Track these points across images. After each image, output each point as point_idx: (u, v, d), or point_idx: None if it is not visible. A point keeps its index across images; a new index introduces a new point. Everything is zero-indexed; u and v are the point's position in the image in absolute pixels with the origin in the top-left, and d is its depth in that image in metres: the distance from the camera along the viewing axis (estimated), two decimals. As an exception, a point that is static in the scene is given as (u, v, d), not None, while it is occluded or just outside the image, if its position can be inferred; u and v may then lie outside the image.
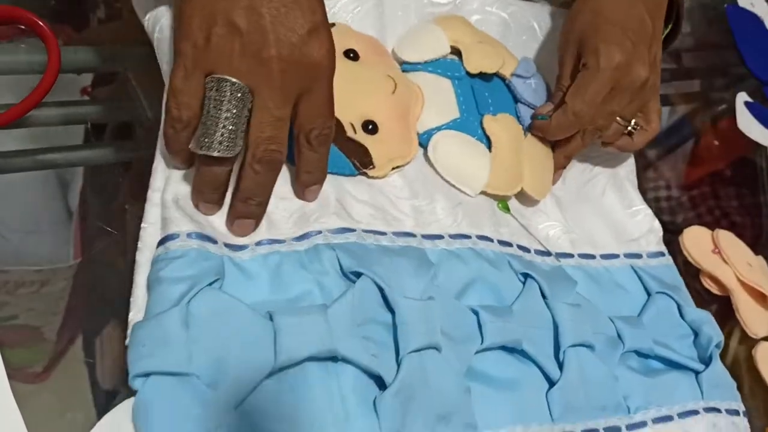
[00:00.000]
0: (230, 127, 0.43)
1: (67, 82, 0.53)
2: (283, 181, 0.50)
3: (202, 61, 0.43)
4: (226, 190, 0.47)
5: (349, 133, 0.54)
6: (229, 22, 0.43)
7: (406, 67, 0.61)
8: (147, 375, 0.39)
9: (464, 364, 0.50)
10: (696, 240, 0.75)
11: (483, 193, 0.60)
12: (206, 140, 0.43)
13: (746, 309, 0.71)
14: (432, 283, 0.51)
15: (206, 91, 0.43)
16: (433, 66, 0.62)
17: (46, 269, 0.46)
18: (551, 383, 0.53)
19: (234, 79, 0.43)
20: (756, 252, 0.78)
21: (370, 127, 0.55)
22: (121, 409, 0.40)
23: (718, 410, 0.60)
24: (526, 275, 0.57)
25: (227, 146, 0.43)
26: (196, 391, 0.40)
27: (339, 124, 0.54)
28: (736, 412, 0.62)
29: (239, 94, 0.43)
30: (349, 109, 0.55)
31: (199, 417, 0.39)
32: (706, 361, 0.61)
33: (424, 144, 0.59)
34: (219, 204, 0.47)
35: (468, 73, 0.63)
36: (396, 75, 0.59)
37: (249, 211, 0.47)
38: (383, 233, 0.52)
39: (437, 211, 0.56)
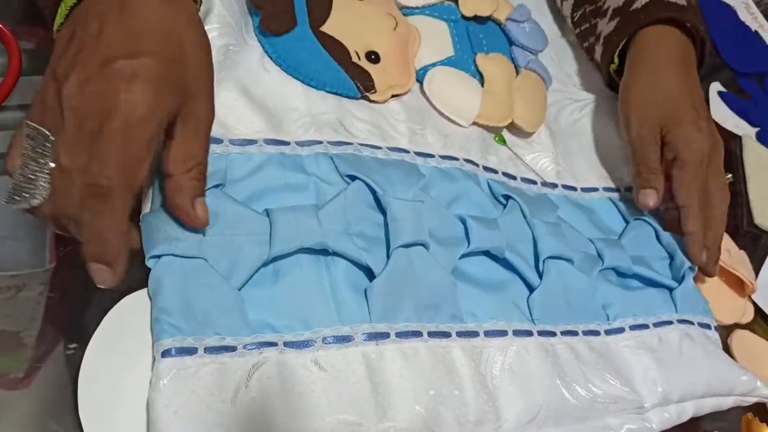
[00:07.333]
0: (23, 175, 0.39)
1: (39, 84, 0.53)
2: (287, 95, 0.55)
3: (30, 110, 0.40)
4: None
5: (354, 58, 0.59)
6: (51, 68, 0.40)
7: (405, 11, 0.66)
8: (160, 257, 0.44)
9: (450, 264, 0.53)
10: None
11: (475, 124, 0.64)
12: (7, 189, 0.39)
13: (716, 295, 0.72)
14: (422, 192, 0.55)
15: None
16: (430, 10, 0.67)
17: (23, 274, 0.46)
18: (531, 290, 0.56)
19: (31, 123, 0.38)
20: (736, 241, 0.79)
21: (373, 56, 0.60)
22: (133, 296, 0.44)
23: (691, 323, 0.64)
24: (507, 197, 0.61)
25: (20, 197, 0.39)
26: (205, 271, 0.44)
27: (345, 50, 0.59)
28: (708, 326, 0.66)
29: (32, 139, 0.38)
30: (354, 39, 0.60)
31: (207, 291, 0.43)
32: (679, 280, 0.65)
33: (420, 79, 0.64)
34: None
35: (464, 16, 0.68)
36: (396, 14, 0.64)
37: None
38: (379, 147, 0.56)
39: (428, 136, 0.60)
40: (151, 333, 0.43)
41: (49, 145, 0.39)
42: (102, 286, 0.41)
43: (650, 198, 0.66)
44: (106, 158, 0.38)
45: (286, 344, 0.44)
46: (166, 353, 0.41)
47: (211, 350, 0.42)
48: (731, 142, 0.91)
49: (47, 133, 0.39)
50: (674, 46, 0.71)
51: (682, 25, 0.72)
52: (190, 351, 0.41)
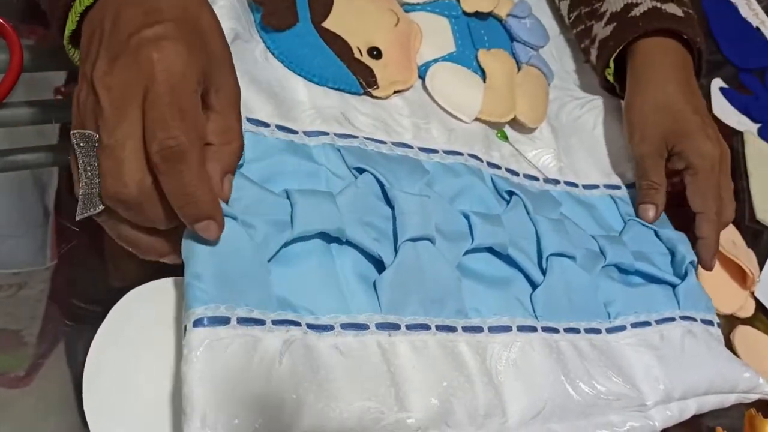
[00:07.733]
0: (85, 184, 0.39)
1: (40, 81, 0.52)
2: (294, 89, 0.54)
3: (72, 121, 0.40)
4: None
5: (356, 54, 0.59)
6: (81, 73, 0.40)
7: (407, 8, 0.66)
8: None
9: (455, 259, 0.53)
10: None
11: (477, 120, 0.64)
12: (78, 204, 0.39)
13: (716, 284, 0.72)
14: (427, 188, 0.55)
15: None
16: (431, 6, 0.67)
17: (23, 272, 0.45)
18: (534, 287, 0.56)
19: (75, 131, 0.39)
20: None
21: (375, 53, 0.60)
22: (138, 290, 0.44)
23: (694, 319, 0.64)
24: (511, 193, 0.60)
25: (88, 204, 0.39)
26: (236, 236, 0.42)
27: (347, 46, 0.59)
28: (710, 323, 0.66)
29: (80, 147, 0.38)
30: (356, 36, 0.60)
31: (238, 257, 0.42)
32: (682, 276, 0.65)
33: (422, 75, 0.64)
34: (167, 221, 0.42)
35: (465, 12, 0.68)
36: (398, 11, 0.64)
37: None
38: (383, 142, 0.56)
39: (432, 131, 0.60)
40: (184, 299, 0.41)
41: (97, 144, 0.38)
42: (212, 239, 0.41)
43: (650, 212, 0.69)
44: (164, 120, 0.37)
45: (309, 326, 0.44)
46: (198, 322, 0.39)
47: (243, 321, 0.40)
48: (733, 138, 0.91)
49: (91, 133, 0.38)
50: (674, 57, 0.72)
51: (679, 37, 0.72)
52: (223, 321, 0.40)
